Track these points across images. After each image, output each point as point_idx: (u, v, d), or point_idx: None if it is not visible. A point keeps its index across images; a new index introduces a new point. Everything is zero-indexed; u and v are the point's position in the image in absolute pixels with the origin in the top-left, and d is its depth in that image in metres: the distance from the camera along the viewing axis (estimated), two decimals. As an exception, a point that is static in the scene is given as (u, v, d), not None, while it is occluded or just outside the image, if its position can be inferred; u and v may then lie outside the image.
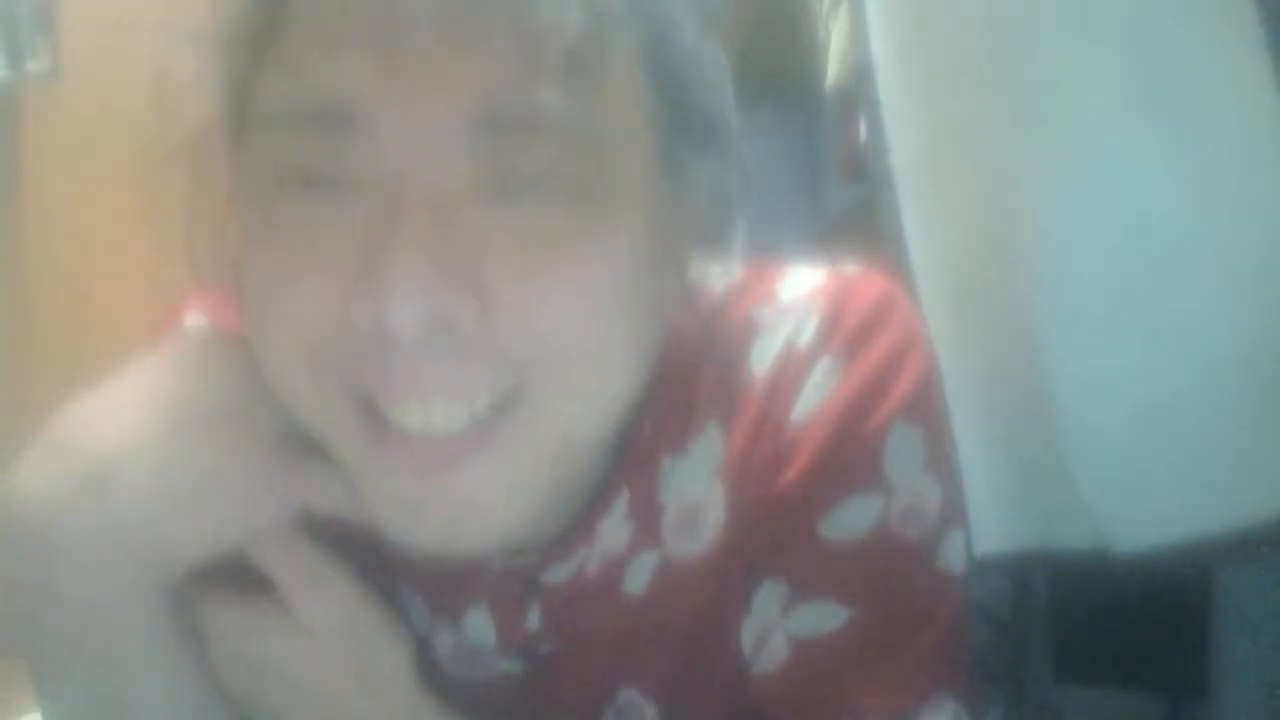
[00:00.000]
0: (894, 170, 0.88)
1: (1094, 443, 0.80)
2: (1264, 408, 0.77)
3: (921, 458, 0.53)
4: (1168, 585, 0.86)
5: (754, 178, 0.51)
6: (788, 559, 0.53)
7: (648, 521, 0.54)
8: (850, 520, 0.52)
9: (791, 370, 0.53)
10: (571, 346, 0.44)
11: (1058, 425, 0.81)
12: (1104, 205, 0.78)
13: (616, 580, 0.55)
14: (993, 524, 0.84)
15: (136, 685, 0.50)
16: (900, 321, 0.54)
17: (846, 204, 1.17)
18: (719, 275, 0.55)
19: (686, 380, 0.54)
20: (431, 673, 0.55)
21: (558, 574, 0.54)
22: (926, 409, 0.54)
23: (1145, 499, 0.79)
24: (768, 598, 0.54)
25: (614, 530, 0.54)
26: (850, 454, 0.52)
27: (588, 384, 0.46)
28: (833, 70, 1.08)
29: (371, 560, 0.53)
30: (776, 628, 0.53)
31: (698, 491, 0.54)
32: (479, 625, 0.56)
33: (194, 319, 0.61)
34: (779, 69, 1.16)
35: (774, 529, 0.53)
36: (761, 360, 0.54)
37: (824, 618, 0.53)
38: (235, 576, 0.51)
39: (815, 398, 0.53)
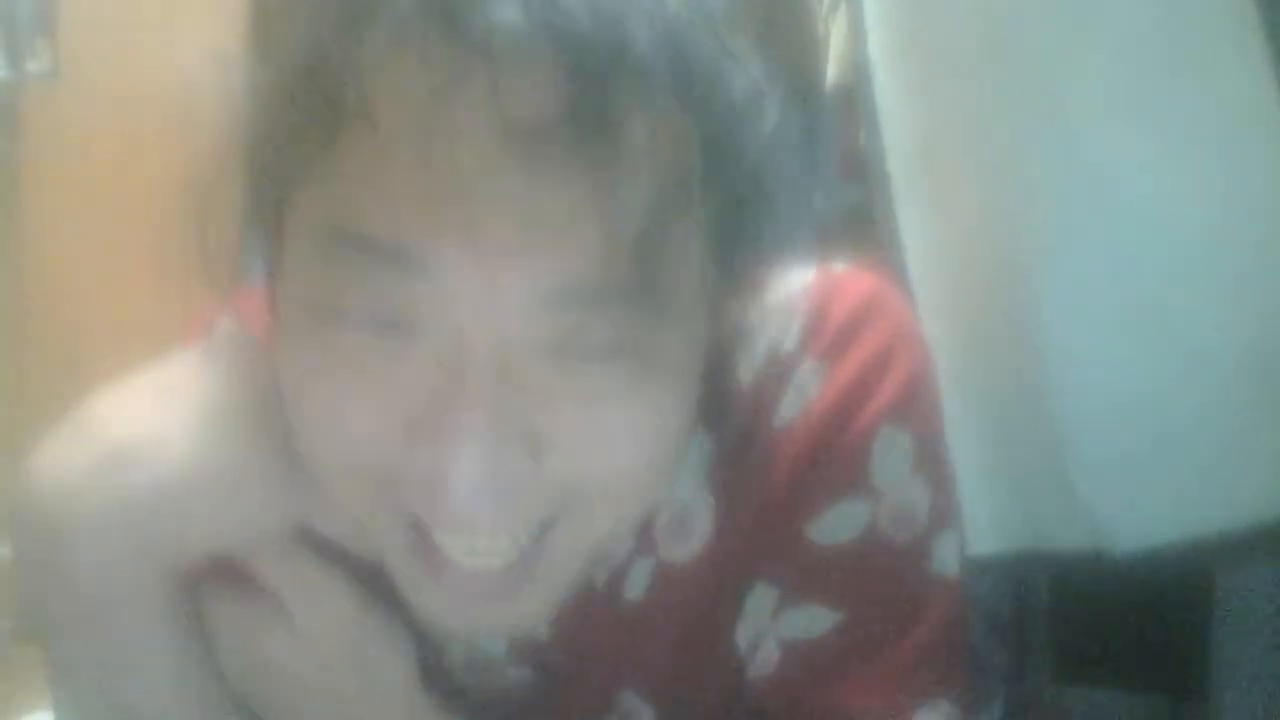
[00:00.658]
0: (891, 170, 0.87)
1: (1092, 442, 0.80)
2: (1264, 408, 0.77)
3: (911, 460, 0.53)
4: (1167, 585, 0.86)
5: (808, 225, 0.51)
6: (777, 563, 0.53)
7: (642, 528, 0.54)
8: (838, 524, 0.52)
9: (775, 375, 0.53)
10: (620, 482, 0.46)
11: (1056, 425, 0.80)
12: (1102, 205, 0.77)
13: (618, 587, 0.55)
14: (990, 524, 0.83)
15: (141, 675, 0.50)
16: (888, 320, 0.54)
17: (845, 204, 1.17)
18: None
19: None
20: (441, 681, 0.55)
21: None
22: (916, 410, 0.53)
23: (1144, 499, 0.79)
24: (759, 602, 0.54)
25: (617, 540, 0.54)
26: (836, 459, 0.52)
27: (631, 505, 0.48)
28: (832, 70, 1.08)
29: (383, 572, 0.53)
30: (767, 631, 0.53)
31: (687, 497, 0.54)
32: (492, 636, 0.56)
33: (225, 322, 0.61)
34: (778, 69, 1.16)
35: (763, 534, 0.53)
36: (746, 366, 0.54)
37: (813, 621, 0.53)
38: (242, 574, 0.52)
39: (798, 403, 0.53)
